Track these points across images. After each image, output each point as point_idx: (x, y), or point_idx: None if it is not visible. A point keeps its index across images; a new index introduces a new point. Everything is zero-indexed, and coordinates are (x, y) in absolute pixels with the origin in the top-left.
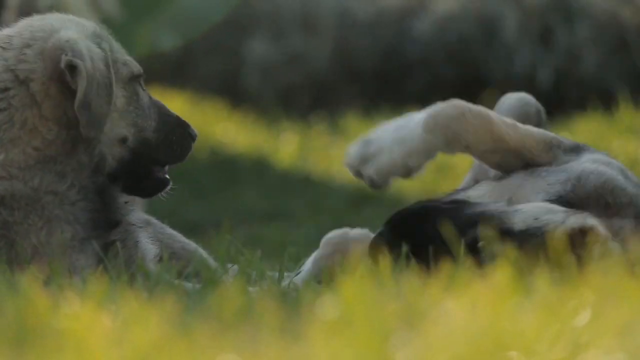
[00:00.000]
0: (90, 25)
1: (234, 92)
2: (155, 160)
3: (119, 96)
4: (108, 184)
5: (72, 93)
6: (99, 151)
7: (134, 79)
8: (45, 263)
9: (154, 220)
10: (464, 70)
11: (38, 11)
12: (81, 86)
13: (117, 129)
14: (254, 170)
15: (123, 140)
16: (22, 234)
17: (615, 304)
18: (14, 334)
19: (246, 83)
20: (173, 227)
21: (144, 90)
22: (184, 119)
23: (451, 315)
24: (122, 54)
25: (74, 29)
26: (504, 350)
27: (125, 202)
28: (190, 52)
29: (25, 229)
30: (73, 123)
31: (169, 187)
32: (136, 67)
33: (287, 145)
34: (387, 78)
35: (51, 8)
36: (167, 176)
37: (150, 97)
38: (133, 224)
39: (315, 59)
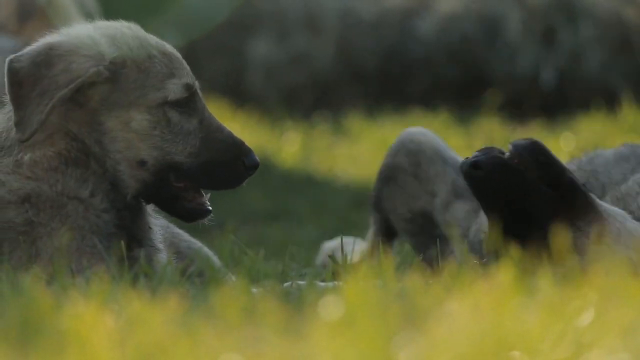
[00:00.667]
0: (128, 43)
1: (237, 92)
2: (199, 183)
3: (140, 119)
4: (136, 203)
5: (79, 105)
6: (110, 167)
7: (166, 104)
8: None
9: (161, 219)
10: (466, 70)
11: (35, 8)
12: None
13: (135, 151)
14: (257, 170)
15: (141, 163)
16: (44, 236)
17: (618, 304)
18: (17, 334)
19: (249, 83)
20: (178, 226)
21: (189, 114)
22: (248, 145)
23: (454, 315)
24: (161, 79)
25: (92, 39)
26: (507, 350)
27: (149, 227)
28: (193, 52)
29: (48, 232)
30: (78, 136)
31: (208, 216)
32: (174, 94)
33: (290, 145)
34: (390, 78)
35: (47, 5)
36: (208, 206)
37: (200, 121)
38: (153, 246)
39: (319, 59)
